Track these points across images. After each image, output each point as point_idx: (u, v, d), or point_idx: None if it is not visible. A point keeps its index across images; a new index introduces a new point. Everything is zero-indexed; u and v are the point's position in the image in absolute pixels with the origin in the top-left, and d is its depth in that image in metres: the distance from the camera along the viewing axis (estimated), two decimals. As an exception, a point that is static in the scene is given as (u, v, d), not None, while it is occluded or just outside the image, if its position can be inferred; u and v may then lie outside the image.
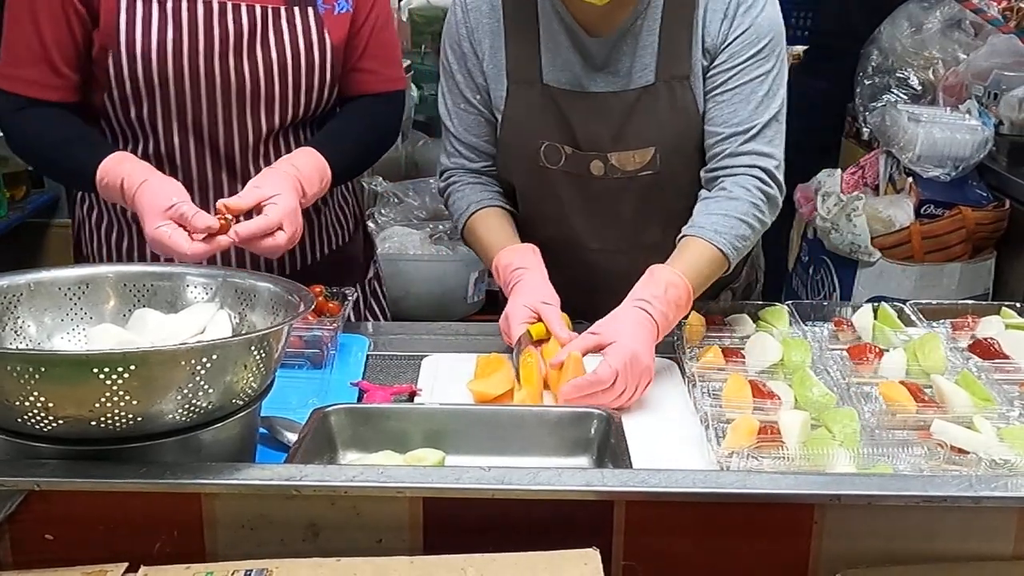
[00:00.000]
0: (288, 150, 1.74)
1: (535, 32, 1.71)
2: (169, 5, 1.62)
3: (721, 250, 1.62)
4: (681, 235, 1.66)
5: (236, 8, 1.65)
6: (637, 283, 1.58)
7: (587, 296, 1.69)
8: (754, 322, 1.66)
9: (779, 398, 1.42)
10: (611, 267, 1.77)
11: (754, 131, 1.67)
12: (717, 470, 1.25)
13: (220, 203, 1.53)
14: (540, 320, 1.60)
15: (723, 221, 1.64)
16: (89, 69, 1.65)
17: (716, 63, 1.68)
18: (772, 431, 1.31)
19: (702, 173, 1.72)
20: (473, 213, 1.79)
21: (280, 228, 1.54)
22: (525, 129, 1.73)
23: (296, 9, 1.69)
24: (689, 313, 1.67)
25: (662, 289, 1.55)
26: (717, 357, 1.54)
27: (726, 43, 1.67)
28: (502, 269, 1.70)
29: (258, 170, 1.70)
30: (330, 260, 1.88)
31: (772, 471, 1.22)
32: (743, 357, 1.54)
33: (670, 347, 1.66)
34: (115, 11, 1.61)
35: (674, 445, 1.38)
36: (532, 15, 1.71)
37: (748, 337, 1.61)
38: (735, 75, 1.67)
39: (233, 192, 1.64)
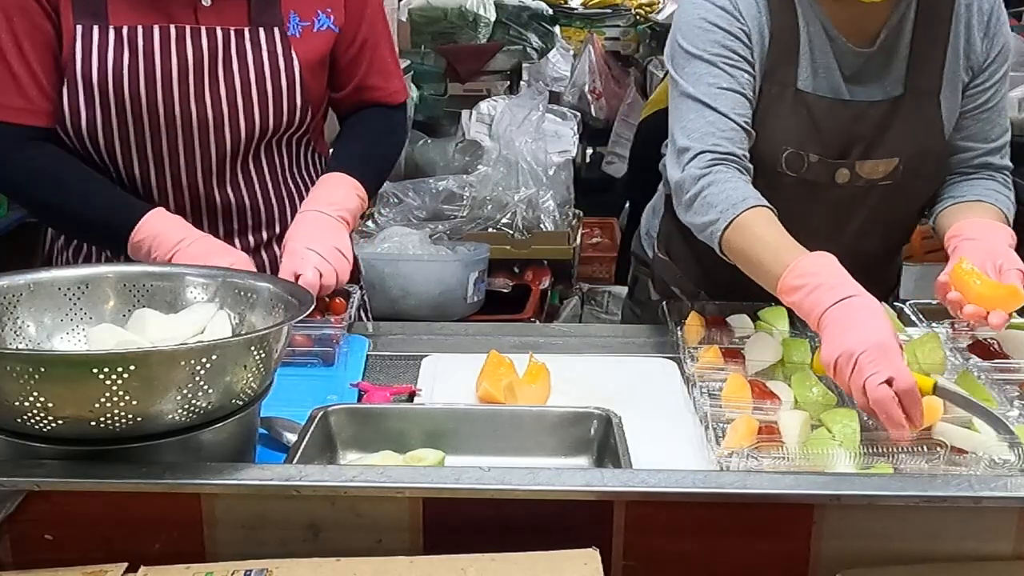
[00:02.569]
0: (257, 172, 1.71)
1: (796, 34, 1.67)
2: (125, 31, 1.56)
3: (1008, 222, 1.67)
4: (960, 199, 1.71)
5: (196, 32, 1.59)
6: (977, 226, 1.61)
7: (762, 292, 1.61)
8: (753, 322, 1.66)
9: (779, 398, 1.42)
10: None
11: (1006, 145, 1.76)
12: (717, 470, 1.25)
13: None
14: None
15: (1004, 201, 1.71)
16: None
17: (977, 80, 1.71)
18: (772, 431, 1.31)
19: (949, 176, 1.75)
20: (752, 208, 1.54)
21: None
22: (771, 132, 1.67)
23: (261, 30, 1.62)
24: (688, 314, 1.68)
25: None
26: (717, 357, 1.54)
27: (988, 61, 1.71)
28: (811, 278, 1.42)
29: (223, 195, 1.68)
30: None
31: (772, 471, 1.22)
32: (743, 357, 1.54)
33: (670, 347, 1.66)
34: (72, 37, 1.55)
35: (674, 445, 1.38)
36: (793, 16, 1.67)
37: (748, 337, 1.61)
38: (994, 92, 1.73)
39: (197, 220, 1.64)
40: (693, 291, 1.88)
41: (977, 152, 1.75)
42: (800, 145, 1.68)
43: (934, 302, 1.74)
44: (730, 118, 1.61)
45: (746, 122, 1.63)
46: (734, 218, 1.53)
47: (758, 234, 1.52)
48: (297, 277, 1.52)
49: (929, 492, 1.08)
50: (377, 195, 3.45)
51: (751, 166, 1.63)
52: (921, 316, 1.70)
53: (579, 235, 3.78)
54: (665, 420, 1.46)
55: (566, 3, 6.09)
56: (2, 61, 1.55)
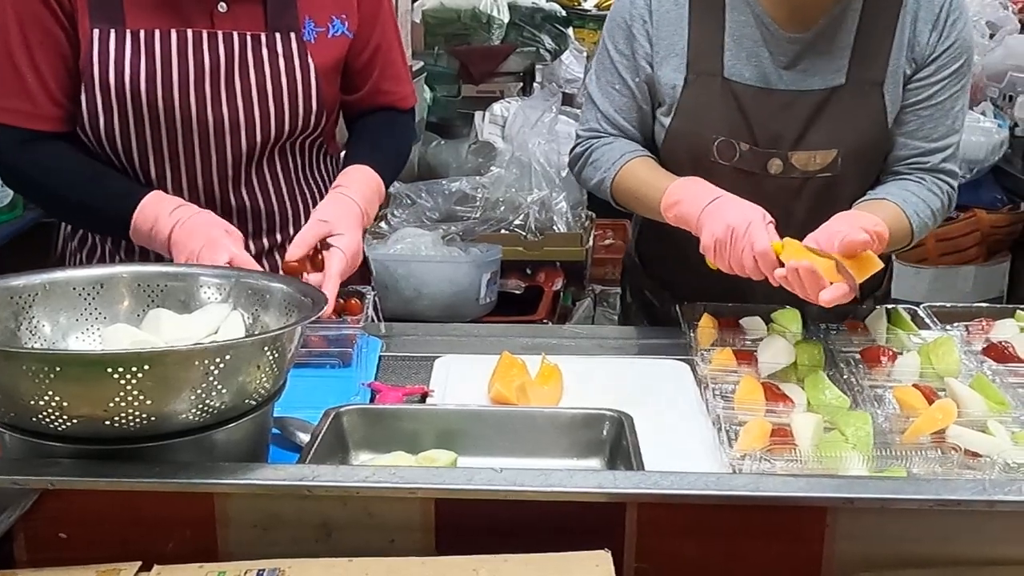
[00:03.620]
0: (271, 175, 1.72)
1: (721, 23, 1.67)
2: (142, 35, 1.57)
3: (912, 228, 1.63)
4: (869, 196, 1.67)
5: (212, 36, 1.59)
6: (840, 215, 1.55)
7: (742, 295, 1.68)
8: (766, 324, 1.66)
9: (792, 401, 1.41)
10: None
11: (951, 149, 1.71)
12: (729, 473, 1.25)
13: (285, 264, 1.55)
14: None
15: (920, 204, 1.65)
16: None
17: (921, 74, 1.67)
18: (785, 434, 1.31)
19: (883, 175, 1.72)
20: (630, 160, 1.73)
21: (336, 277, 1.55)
22: (700, 122, 1.69)
23: (277, 35, 1.63)
24: (701, 316, 1.67)
25: (869, 224, 1.51)
26: (729, 359, 1.54)
27: (934, 55, 1.66)
28: (689, 199, 1.59)
29: (238, 198, 1.69)
30: None
31: (785, 474, 1.21)
32: (755, 359, 1.54)
33: (683, 349, 1.66)
34: (89, 41, 1.56)
35: (686, 448, 1.38)
36: (719, 5, 1.67)
37: (760, 339, 1.60)
38: (939, 89, 1.67)
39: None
40: (661, 294, 1.91)
41: (914, 151, 1.70)
42: (731, 133, 1.68)
43: (948, 305, 1.73)
44: (611, 116, 1.76)
45: (625, 119, 1.76)
46: (617, 171, 1.72)
47: (639, 176, 1.71)
48: (318, 251, 1.54)
49: (943, 496, 1.08)
50: (390, 196, 3.47)
51: (636, 137, 1.77)
52: (935, 319, 1.70)
53: (592, 237, 3.77)
54: (678, 422, 1.46)
55: (579, 5, 6.09)
56: (11, 66, 1.57)
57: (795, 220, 1.70)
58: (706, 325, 1.65)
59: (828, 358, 1.55)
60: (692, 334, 1.64)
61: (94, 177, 1.62)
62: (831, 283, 1.42)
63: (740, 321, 1.68)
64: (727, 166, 1.69)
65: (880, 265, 1.49)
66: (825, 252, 1.45)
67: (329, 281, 1.52)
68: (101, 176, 1.63)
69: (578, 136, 1.84)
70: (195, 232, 1.53)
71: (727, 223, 1.51)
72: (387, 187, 1.79)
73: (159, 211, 1.57)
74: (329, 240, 1.58)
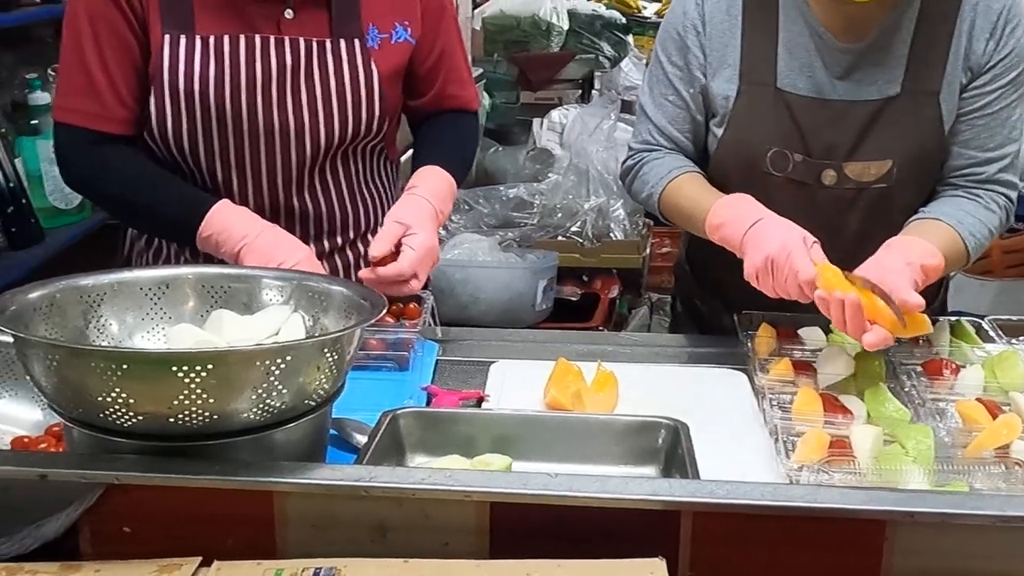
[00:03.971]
0: (332, 180, 1.74)
1: (774, 34, 1.66)
2: (211, 40, 1.60)
3: (968, 250, 1.60)
4: (923, 216, 1.63)
5: (280, 42, 1.62)
6: (893, 244, 1.53)
7: (793, 305, 1.62)
8: (826, 335, 1.64)
9: (851, 413, 1.40)
10: None
11: (1008, 159, 1.67)
12: (786, 483, 1.24)
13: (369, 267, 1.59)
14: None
15: (976, 224, 1.62)
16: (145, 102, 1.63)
17: (976, 83, 1.65)
18: (843, 446, 1.29)
19: (938, 187, 1.69)
20: (677, 176, 1.72)
21: (414, 275, 1.58)
22: (753, 133, 1.68)
23: (342, 42, 1.65)
24: (760, 325, 1.66)
25: (923, 257, 1.50)
26: (788, 370, 1.52)
27: (990, 64, 1.64)
28: (731, 222, 1.58)
29: (301, 202, 1.71)
30: None
31: (844, 486, 1.20)
32: (814, 370, 1.52)
33: (738, 358, 1.65)
34: (160, 45, 1.59)
35: (742, 457, 1.37)
36: (773, 15, 1.66)
37: (820, 350, 1.58)
38: (996, 98, 1.65)
39: (275, 221, 1.65)
40: (711, 302, 1.90)
41: (970, 161, 1.66)
42: (784, 144, 1.66)
43: (1014, 318, 1.70)
44: (664, 128, 1.76)
45: (678, 130, 1.75)
46: (665, 186, 1.71)
47: (685, 193, 1.70)
48: (397, 251, 1.58)
49: (1006, 512, 1.06)
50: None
51: (688, 149, 1.76)
52: (1000, 332, 1.66)
53: (649, 244, 3.76)
54: (733, 432, 1.45)
55: (640, 12, 6.08)
56: (83, 68, 1.60)
57: (848, 231, 1.69)
58: (764, 335, 1.64)
59: (889, 370, 1.53)
60: (749, 343, 1.62)
61: (161, 182, 1.65)
62: (873, 323, 1.41)
63: (799, 331, 1.66)
64: (780, 177, 1.68)
65: (931, 329, 1.48)
66: (870, 285, 1.43)
67: (396, 268, 1.56)
68: (168, 181, 1.66)
69: (630, 149, 1.84)
70: (263, 255, 1.55)
71: (766, 255, 1.49)
72: (458, 186, 1.80)
73: (227, 223, 1.58)
74: (404, 240, 1.59)
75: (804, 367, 1.54)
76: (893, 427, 1.35)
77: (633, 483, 1.11)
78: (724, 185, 1.72)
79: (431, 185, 1.71)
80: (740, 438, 1.43)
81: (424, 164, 1.75)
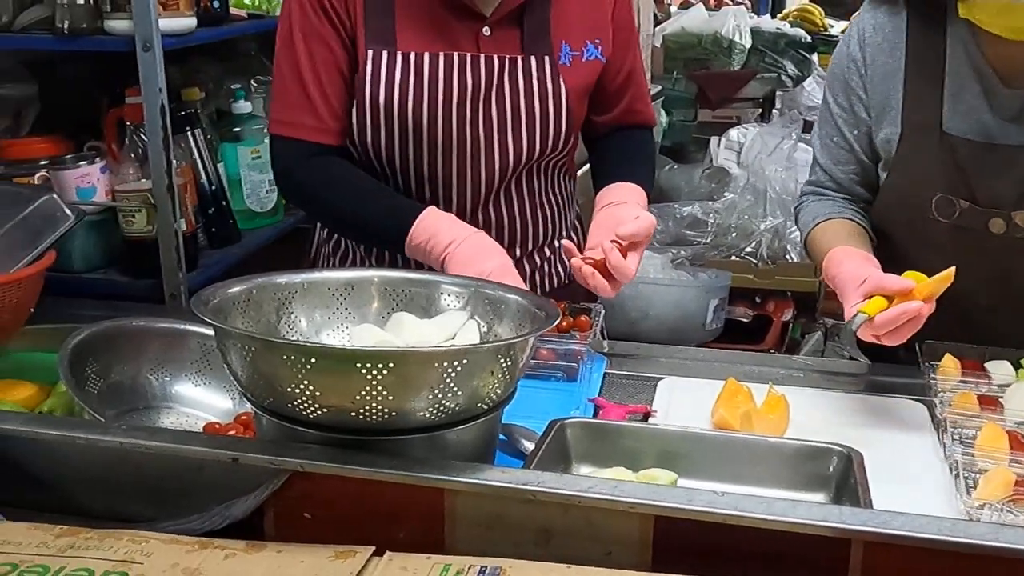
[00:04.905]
0: (517, 194, 1.77)
1: (939, 77, 1.61)
2: (412, 57, 1.64)
3: None
4: None
5: (475, 60, 1.66)
6: None
7: (979, 337, 1.62)
8: (1015, 370, 1.56)
9: (1040, 452, 1.32)
10: (1004, 329, 1.65)
11: None
12: (966, 519, 1.19)
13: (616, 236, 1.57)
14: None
15: None
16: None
17: None
18: (1030, 486, 1.23)
19: None
20: (822, 222, 1.73)
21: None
22: (918, 178, 1.64)
23: (533, 59, 1.68)
24: (943, 356, 1.60)
25: None
26: (972, 404, 1.46)
27: None
28: (830, 278, 1.62)
29: (486, 218, 1.75)
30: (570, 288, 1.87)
31: (1028, 528, 1.14)
32: (1001, 406, 1.45)
33: (917, 388, 1.59)
34: (364, 61, 1.65)
35: (918, 491, 1.32)
36: (939, 58, 1.61)
37: (1008, 385, 1.51)
38: None
39: None
40: None
41: None
42: (949, 190, 1.59)
43: None
44: (830, 169, 1.76)
45: (843, 171, 1.75)
46: (810, 230, 1.75)
47: (818, 239, 1.72)
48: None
49: None
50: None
51: (856, 192, 1.75)
52: None
53: (826, 268, 3.65)
54: (910, 464, 1.40)
55: (826, 30, 5.92)
56: (299, 84, 1.67)
57: (1020, 279, 1.61)
58: (948, 366, 1.57)
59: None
60: (932, 374, 1.56)
61: (372, 193, 1.70)
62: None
63: (985, 364, 1.59)
64: (946, 223, 1.62)
65: None
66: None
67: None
68: (379, 192, 1.71)
69: (802, 187, 1.86)
70: (460, 263, 1.57)
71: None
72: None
73: (434, 230, 1.61)
74: (618, 232, 1.57)
75: (990, 402, 1.47)
76: (1087, 470, 1.27)
77: (802, 507, 1.10)
78: (889, 231, 1.68)
79: (627, 195, 1.70)
80: (916, 471, 1.38)
81: (618, 180, 1.75)
